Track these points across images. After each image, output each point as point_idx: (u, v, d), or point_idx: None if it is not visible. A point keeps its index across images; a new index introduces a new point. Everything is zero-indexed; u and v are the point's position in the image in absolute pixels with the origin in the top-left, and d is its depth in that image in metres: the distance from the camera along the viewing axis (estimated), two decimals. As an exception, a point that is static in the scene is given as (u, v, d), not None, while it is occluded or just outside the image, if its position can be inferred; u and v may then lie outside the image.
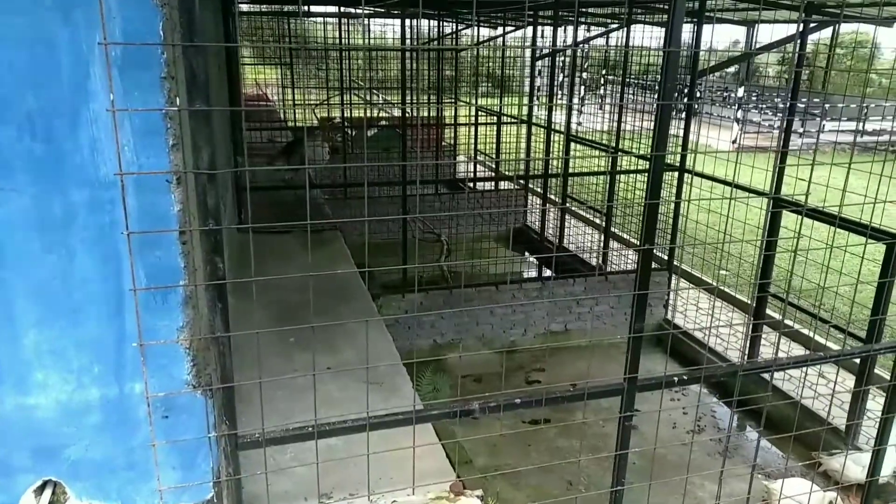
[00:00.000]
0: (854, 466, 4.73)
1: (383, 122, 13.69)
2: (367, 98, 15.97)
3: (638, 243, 7.81)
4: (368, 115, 14.35)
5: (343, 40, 12.97)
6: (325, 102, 12.96)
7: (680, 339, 7.32)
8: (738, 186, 6.43)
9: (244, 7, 14.56)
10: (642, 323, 2.66)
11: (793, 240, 5.45)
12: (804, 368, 6.18)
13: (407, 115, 13.98)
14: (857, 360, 5.31)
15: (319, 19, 14.23)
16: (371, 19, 13.46)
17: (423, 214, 8.14)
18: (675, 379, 2.77)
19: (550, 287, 7.05)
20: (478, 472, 4.47)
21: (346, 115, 12.54)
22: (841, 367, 6.12)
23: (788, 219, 5.12)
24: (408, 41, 7.49)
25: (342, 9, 11.68)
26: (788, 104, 6.76)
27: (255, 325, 3.43)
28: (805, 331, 6.34)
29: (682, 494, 3.65)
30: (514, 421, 5.50)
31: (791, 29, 7.68)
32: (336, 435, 2.35)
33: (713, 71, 7.90)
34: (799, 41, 6.80)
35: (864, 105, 21.70)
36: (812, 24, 6.61)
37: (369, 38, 14.93)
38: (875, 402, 5.29)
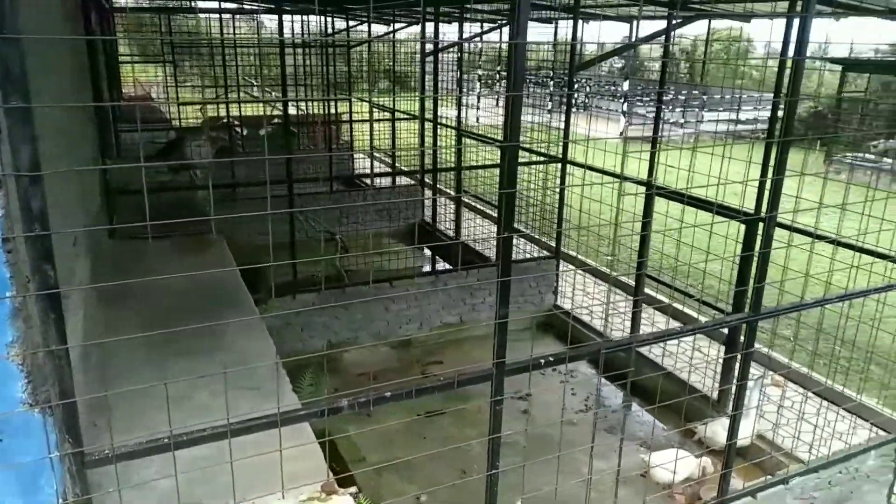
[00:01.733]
0: (723, 432, 5.06)
1: (276, 121, 13.37)
2: (260, 96, 15.55)
3: (532, 234, 7.94)
4: (261, 113, 13.97)
5: (233, 36, 12.55)
6: (214, 101, 12.52)
7: (569, 323, 7.60)
8: (614, 175, 6.74)
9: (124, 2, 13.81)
10: (507, 309, 2.72)
11: (667, 223, 5.77)
12: (681, 343, 6.58)
13: (301, 112, 13.73)
14: (726, 332, 5.69)
15: (209, 15, 13.72)
16: (263, 15, 13.14)
17: (303, 208, 7.96)
18: (542, 361, 2.85)
19: (444, 280, 7.11)
20: (370, 468, 4.46)
21: (234, 113, 12.17)
22: (715, 340, 6.54)
23: (676, 206, 5.40)
24: (303, 37, 7.30)
25: (229, 4, 11.29)
26: (657, 96, 7.07)
27: (128, 333, 3.26)
28: (682, 307, 6.74)
29: (558, 472, 3.78)
30: (410, 414, 5.52)
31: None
32: (195, 445, 2.26)
33: (587, 66, 8.18)
34: (669, 35, 7.20)
35: (738, 96, 23.22)
36: (677, 21, 7.01)
37: (259, 34, 14.54)
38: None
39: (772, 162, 3.45)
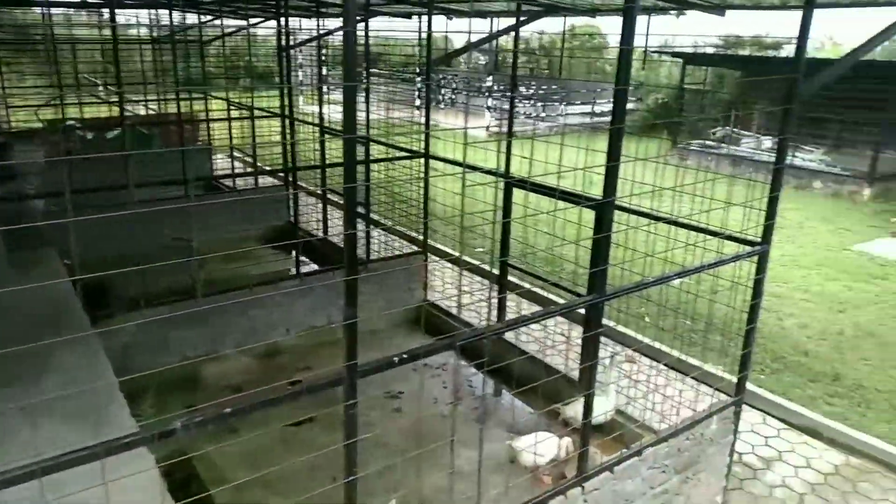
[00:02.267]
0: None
1: (127, 122, 12.42)
2: (106, 96, 14.39)
3: (400, 230, 7.85)
4: (109, 114, 12.92)
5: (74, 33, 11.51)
6: (53, 103, 11.42)
7: (439, 318, 7.64)
8: (472, 168, 6.83)
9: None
10: (355, 309, 2.63)
11: (528, 213, 5.91)
12: (546, 327, 6.78)
13: (153, 112, 12.84)
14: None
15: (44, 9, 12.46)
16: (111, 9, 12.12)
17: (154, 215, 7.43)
18: (396, 359, 2.79)
19: (309, 282, 6.90)
20: (233, 486, 4.21)
21: (78, 115, 11.17)
22: (576, 323, 6.81)
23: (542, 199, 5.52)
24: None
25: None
26: (511, 90, 7.24)
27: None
28: (546, 294, 6.97)
29: (427, 468, 3.77)
30: (280, 424, 5.30)
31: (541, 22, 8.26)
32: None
33: (443, 62, 8.23)
34: (518, 30, 7.40)
35: (595, 90, 24.52)
36: (524, 17, 7.21)
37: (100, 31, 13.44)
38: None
39: (614, 150, 3.60)
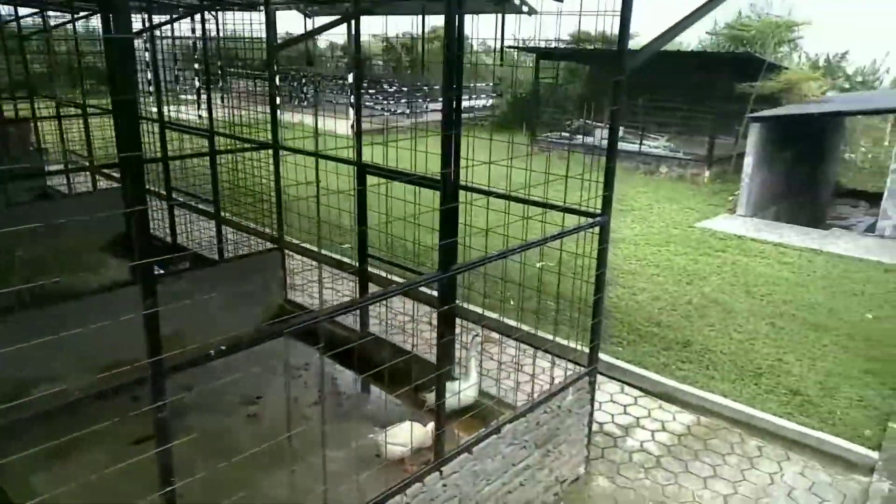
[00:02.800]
0: (448, 395, 5.19)
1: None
2: None
3: (252, 226, 7.34)
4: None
5: None
6: None
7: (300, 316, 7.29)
8: (326, 157, 6.57)
9: None
10: (154, 300, 2.31)
11: (380, 201, 5.72)
12: (407, 313, 6.62)
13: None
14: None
15: None
16: None
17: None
18: (212, 353, 2.50)
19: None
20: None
21: None
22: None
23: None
24: None
25: None
26: (356, 87, 7.02)
27: None
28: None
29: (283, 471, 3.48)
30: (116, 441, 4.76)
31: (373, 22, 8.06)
32: None
33: (272, 56, 7.83)
34: (351, 27, 7.19)
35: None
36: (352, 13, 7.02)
37: None
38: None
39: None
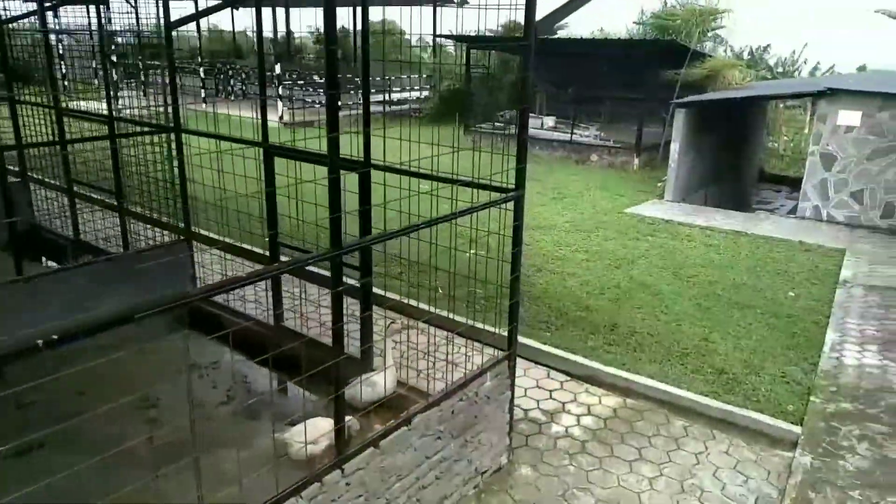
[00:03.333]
0: (366, 389, 4.88)
1: None
2: None
3: (155, 217, 6.80)
4: None
5: None
6: None
7: (211, 312, 6.83)
8: (230, 139, 6.14)
9: None
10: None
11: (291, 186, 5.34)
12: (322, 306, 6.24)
13: None
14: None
15: None
16: None
17: None
18: (39, 342, 2.11)
19: (36, 285, 5.77)
20: None
21: None
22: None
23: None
24: None
25: None
26: (260, 78, 6.60)
27: None
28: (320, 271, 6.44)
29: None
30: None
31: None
32: None
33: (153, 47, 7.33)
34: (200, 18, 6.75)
35: (388, 79, 24.45)
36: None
37: None
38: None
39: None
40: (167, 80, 6.51)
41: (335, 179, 4.73)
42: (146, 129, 6.72)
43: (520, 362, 6.43)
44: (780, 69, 27.09)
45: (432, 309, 5.44)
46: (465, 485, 4.36)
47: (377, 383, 4.75)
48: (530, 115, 16.68)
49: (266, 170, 5.72)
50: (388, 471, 3.66)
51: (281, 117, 20.15)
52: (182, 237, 6.94)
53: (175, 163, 6.67)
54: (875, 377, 6.26)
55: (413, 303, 6.01)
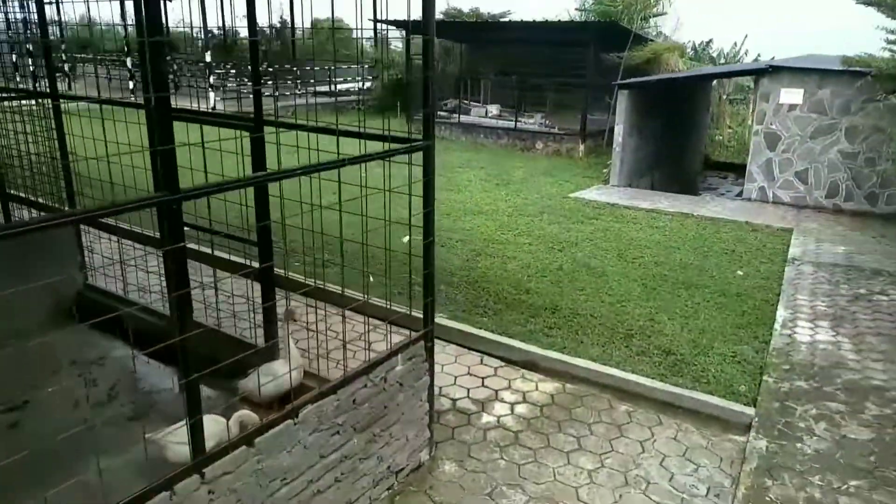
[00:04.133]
0: (265, 380, 4.21)
1: None
2: None
3: (34, 199, 5.90)
4: None
5: None
6: None
7: (103, 302, 6.02)
8: (111, 102, 5.37)
9: None
10: None
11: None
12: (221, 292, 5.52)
13: None
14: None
15: None
16: None
17: None
18: None
19: None
20: None
21: None
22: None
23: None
24: None
25: None
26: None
27: None
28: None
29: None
30: None
31: None
32: None
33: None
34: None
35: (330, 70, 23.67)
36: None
37: None
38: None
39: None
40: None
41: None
42: (16, 94, 5.86)
43: (450, 349, 5.84)
44: (721, 61, 27.25)
45: (347, 292, 4.78)
46: (376, 486, 3.71)
47: (278, 373, 4.07)
48: (473, 104, 16.15)
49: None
50: (269, 474, 2.99)
51: (213, 107, 19.14)
52: (67, 217, 6.10)
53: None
54: (829, 353, 5.87)
55: (328, 286, 5.34)
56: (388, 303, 4.09)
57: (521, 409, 4.89)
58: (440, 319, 6.36)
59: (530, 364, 5.58)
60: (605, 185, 13.12)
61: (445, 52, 20.77)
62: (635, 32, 16.13)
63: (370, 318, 4.29)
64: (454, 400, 4.95)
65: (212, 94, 19.33)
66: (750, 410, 4.90)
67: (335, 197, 3.46)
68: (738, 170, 17.21)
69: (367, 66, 24.09)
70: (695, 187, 16.63)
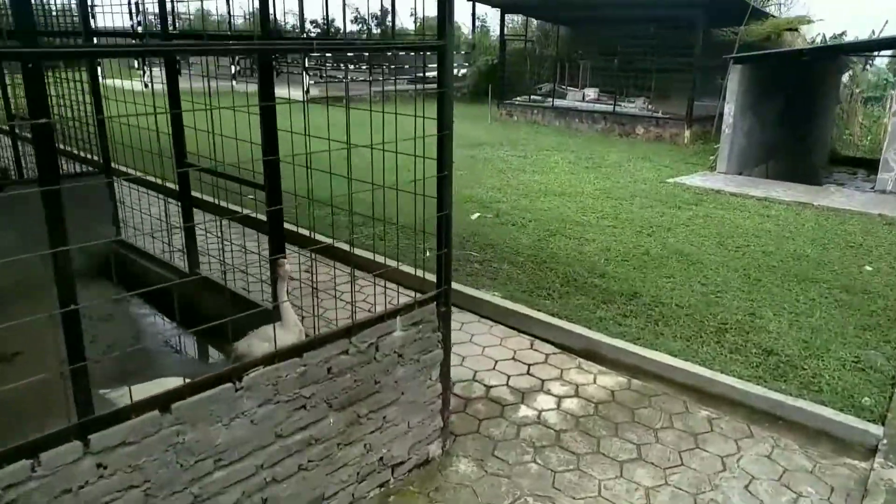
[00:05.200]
0: (260, 343, 3.57)
1: None
2: None
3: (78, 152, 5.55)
4: None
5: None
6: None
7: (135, 261, 5.63)
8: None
9: None
10: None
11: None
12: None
13: None
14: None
15: None
16: None
17: None
18: None
19: None
20: None
21: None
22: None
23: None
24: None
25: None
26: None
27: None
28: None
29: None
30: None
31: None
32: None
33: None
34: None
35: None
36: None
37: None
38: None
39: None
40: None
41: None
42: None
43: (497, 330, 5.00)
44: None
45: (362, 253, 4.04)
46: (362, 481, 2.94)
47: (271, 337, 3.40)
48: (570, 88, 15.07)
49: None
50: (195, 450, 2.29)
51: (306, 91, 19.13)
52: (97, 169, 5.77)
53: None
54: None
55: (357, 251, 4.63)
56: (398, 263, 3.31)
57: (570, 404, 3.96)
58: (492, 297, 5.51)
59: (591, 353, 4.62)
60: (711, 172, 11.72)
61: (544, 36, 19.74)
62: (753, 6, 14.39)
63: (394, 285, 3.52)
64: (488, 387, 4.09)
65: (306, 79, 19.35)
66: (876, 429, 3.74)
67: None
68: (871, 165, 15.10)
69: (463, 52, 23.49)
70: (818, 182, 14.72)
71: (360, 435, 2.87)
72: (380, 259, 3.35)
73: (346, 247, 3.99)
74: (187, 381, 2.35)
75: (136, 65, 18.58)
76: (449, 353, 3.22)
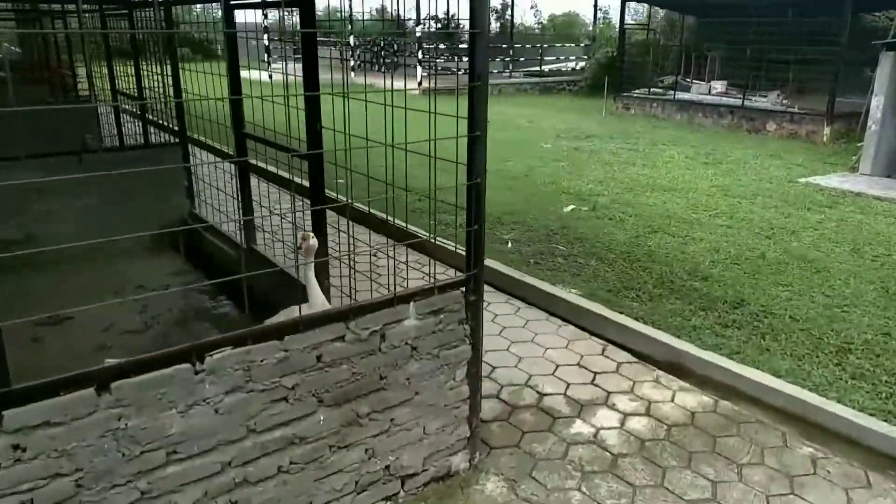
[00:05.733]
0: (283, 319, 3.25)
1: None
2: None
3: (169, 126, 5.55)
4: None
5: None
6: None
7: (202, 236, 5.55)
8: None
9: None
10: None
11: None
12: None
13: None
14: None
15: None
16: None
17: None
18: None
19: None
20: None
21: None
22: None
23: None
24: None
25: None
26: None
27: None
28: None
29: None
30: None
31: None
32: None
33: None
34: None
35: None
36: None
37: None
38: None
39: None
40: None
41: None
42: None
43: (567, 331, 4.41)
44: None
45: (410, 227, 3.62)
46: (361, 492, 2.52)
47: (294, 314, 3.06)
48: (695, 81, 13.92)
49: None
50: (141, 439, 1.95)
51: (419, 83, 19.07)
52: (176, 140, 5.74)
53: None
54: None
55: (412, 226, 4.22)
56: (433, 237, 2.85)
57: (636, 423, 3.33)
58: (567, 294, 4.91)
59: (674, 365, 3.93)
60: (852, 173, 10.29)
61: (669, 26, 18.47)
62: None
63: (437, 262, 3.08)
64: (542, 394, 3.54)
65: (419, 70, 19.27)
66: None
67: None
68: None
69: (582, 44, 22.56)
70: None
71: (360, 438, 2.45)
72: (428, 238, 2.91)
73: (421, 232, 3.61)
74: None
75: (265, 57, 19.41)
76: (479, 350, 2.72)
